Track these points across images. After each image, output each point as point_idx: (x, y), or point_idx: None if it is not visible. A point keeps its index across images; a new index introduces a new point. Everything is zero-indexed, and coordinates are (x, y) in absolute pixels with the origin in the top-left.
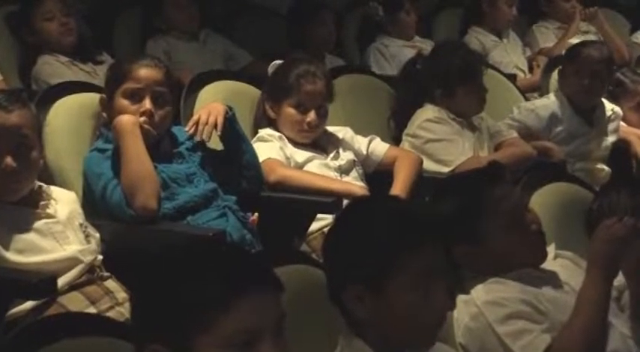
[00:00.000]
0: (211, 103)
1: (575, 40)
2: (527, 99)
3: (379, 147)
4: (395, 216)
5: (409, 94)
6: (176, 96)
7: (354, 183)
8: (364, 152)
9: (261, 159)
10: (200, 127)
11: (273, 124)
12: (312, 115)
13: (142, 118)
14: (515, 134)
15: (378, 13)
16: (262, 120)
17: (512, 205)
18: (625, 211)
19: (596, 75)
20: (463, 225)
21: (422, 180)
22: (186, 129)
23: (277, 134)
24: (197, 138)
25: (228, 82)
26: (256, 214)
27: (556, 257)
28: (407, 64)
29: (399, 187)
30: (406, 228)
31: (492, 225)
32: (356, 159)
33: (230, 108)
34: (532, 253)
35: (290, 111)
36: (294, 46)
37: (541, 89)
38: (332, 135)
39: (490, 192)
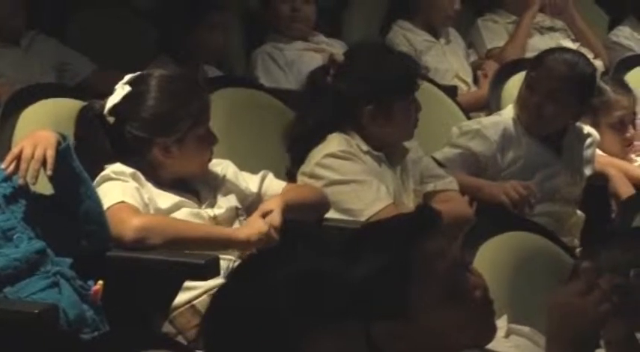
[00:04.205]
0: (37, 131)
1: (567, 43)
2: (470, 119)
3: (274, 186)
4: (295, 281)
5: (320, 116)
6: None
7: (241, 229)
8: (254, 190)
9: (107, 205)
10: (23, 165)
11: (129, 160)
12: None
13: None
14: (454, 185)
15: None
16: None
17: (449, 265)
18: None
19: (555, 96)
20: (383, 295)
21: (326, 231)
22: (3, 167)
23: (130, 170)
24: (19, 181)
25: (61, 99)
26: (100, 282)
27: (509, 334)
28: (314, 74)
29: (276, 200)
30: (311, 298)
31: (423, 293)
32: (239, 206)
33: (64, 138)
34: (475, 329)
35: (200, 146)
36: (164, 52)
37: (489, 106)
38: (208, 173)
39: (420, 248)
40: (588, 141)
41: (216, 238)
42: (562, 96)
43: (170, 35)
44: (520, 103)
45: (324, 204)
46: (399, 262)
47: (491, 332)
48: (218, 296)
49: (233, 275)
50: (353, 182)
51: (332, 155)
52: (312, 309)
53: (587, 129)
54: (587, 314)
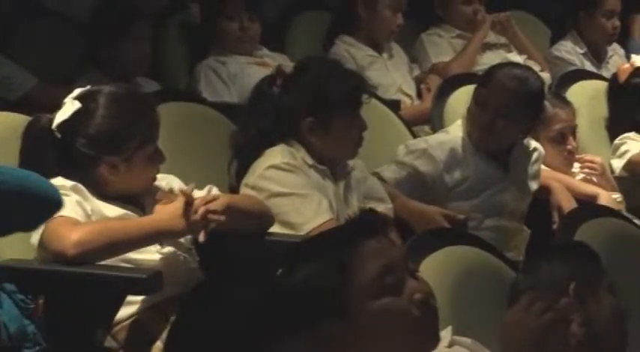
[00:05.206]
0: None
1: (514, 57)
2: (414, 133)
3: None
4: (247, 301)
5: (263, 127)
6: None
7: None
8: None
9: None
10: None
11: (74, 175)
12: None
13: None
14: (392, 213)
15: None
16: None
17: (382, 265)
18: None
19: (506, 111)
20: (321, 297)
21: (270, 246)
22: None
23: (70, 183)
24: None
25: (3, 113)
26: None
27: (452, 344)
28: (261, 84)
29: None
30: (264, 313)
31: (357, 293)
32: None
33: None
34: (417, 337)
35: (148, 164)
36: (97, 65)
37: (433, 120)
38: (152, 187)
39: (354, 250)
40: (534, 156)
41: (154, 233)
42: (513, 112)
43: (97, 48)
44: (470, 120)
45: (267, 215)
46: (333, 263)
47: (433, 338)
48: (177, 324)
49: (187, 303)
50: (294, 195)
51: (275, 166)
52: (266, 323)
53: (533, 144)
54: (529, 325)
